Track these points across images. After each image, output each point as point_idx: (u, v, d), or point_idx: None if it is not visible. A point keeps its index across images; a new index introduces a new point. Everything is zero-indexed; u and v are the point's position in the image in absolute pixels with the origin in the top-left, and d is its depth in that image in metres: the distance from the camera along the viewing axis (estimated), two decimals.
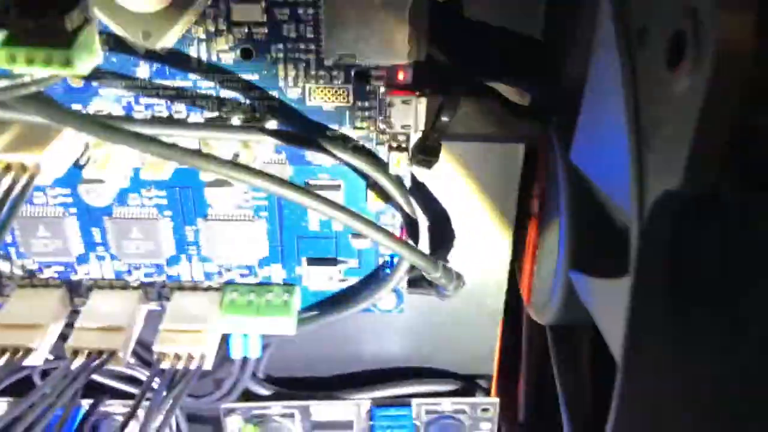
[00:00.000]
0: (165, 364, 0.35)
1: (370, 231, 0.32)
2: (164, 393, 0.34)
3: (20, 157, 0.30)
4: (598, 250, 0.31)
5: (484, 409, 0.43)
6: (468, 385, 0.44)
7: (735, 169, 0.21)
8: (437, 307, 0.40)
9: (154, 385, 0.34)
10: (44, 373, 0.39)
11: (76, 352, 0.35)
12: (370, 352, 0.43)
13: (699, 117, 0.20)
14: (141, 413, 0.36)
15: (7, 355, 0.35)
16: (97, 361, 0.35)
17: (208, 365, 0.35)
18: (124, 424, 0.34)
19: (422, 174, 0.35)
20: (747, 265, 0.22)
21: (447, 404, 0.43)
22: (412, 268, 0.36)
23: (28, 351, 0.35)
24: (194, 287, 0.38)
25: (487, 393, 0.44)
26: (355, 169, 0.33)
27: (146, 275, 0.37)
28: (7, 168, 0.30)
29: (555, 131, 0.33)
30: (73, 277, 0.37)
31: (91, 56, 0.27)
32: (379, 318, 0.41)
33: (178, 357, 0.35)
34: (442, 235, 0.37)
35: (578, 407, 0.35)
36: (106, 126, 0.28)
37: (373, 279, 0.37)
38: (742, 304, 0.23)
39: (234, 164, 0.30)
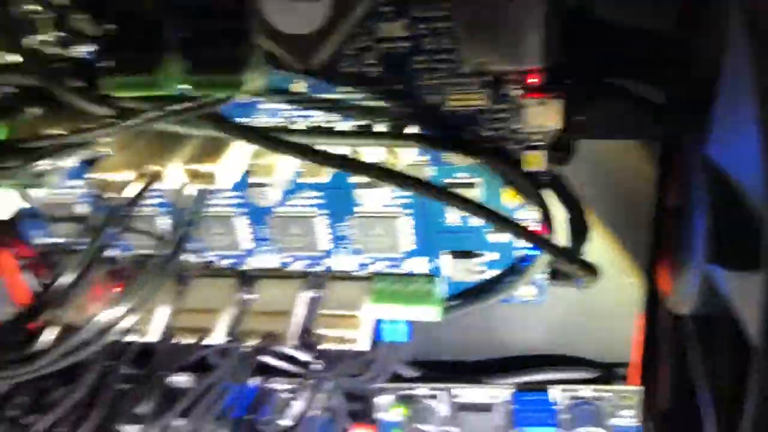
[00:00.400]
0: (324, 346, 0.39)
1: (504, 226, 0.34)
2: (326, 373, 0.38)
3: (199, 167, 0.34)
4: (735, 243, 0.31)
5: (625, 397, 0.44)
6: (606, 373, 0.45)
7: None
8: (578, 298, 0.42)
9: (316, 366, 0.39)
10: (220, 353, 0.44)
11: (247, 335, 0.40)
12: (511, 340, 0.45)
13: None
14: (304, 392, 0.41)
15: (190, 336, 0.40)
16: (265, 342, 0.40)
17: (363, 347, 0.39)
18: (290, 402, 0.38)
19: (561, 171, 0.37)
20: None
21: (587, 391, 0.44)
22: (552, 260, 0.37)
23: (207, 332, 0.40)
24: (347, 277, 0.41)
25: (624, 381, 0.45)
26: (491, 168, 0.35)
27: (306, 266, 0.42)
28: (190, 176, 0.35)
29: (690, 127, 0.33)
30: (243, 268, 0.42)
31: (258, 79, 0.31)
32: (521, 307, 0.43)
33: (335, 339, 0.39)
34: (580, 230, 0.38)
35: (719, 395, 0.36)
36: (270, 138, 0.32)
37: (513, 271, 0.39)
38: None
39: (379, 168, 0.33)
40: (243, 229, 0.40)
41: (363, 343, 0.39)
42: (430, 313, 0.39)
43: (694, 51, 0.33)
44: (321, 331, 0.39)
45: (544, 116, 0.33)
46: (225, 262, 0.42)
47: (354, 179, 0.37)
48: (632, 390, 0.44)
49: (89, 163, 0.39)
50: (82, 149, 0.34)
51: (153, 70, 0.30)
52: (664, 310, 0.42)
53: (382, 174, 0.33)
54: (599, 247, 0.39)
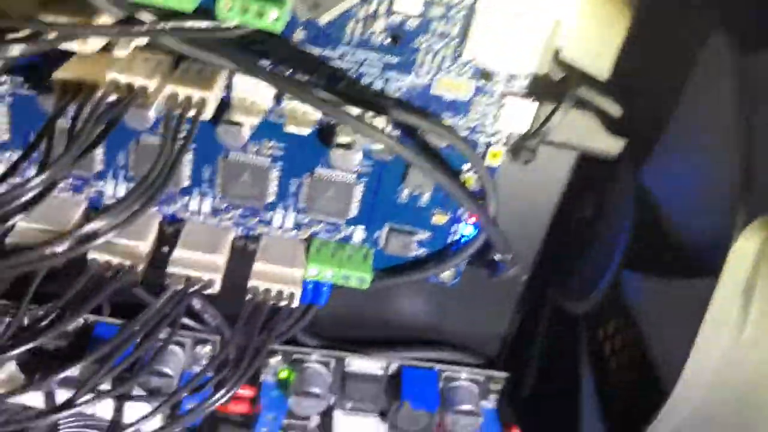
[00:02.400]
0: (256, 299, 0.39)
1: (472, 205, 0.37)
2: (258, 327, 0.38)
3: (191, 92, 0.33)
4: (652, 255, 0.37)
5: (495, 382, 0.49)
6: (483, 359, 0.49)
7: None
8: (466, 287, 0.46)
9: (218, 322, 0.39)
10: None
11: (174, 277, 0.38)
12: (402, 319, 0.48)
13: None
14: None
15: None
16: (193, 287, 0.38)
17: (295, 303, 0.39)
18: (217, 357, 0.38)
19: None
20: None
21: (464, 373, 0.48)
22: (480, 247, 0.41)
23: (132, 268, 0.38)
24: (281, 235, 0.41)
25: (498, 368, 0.50)
26: (454, 156, 0.38)
27: (241, 216, 0.41)
28: (174, 100, 0.33)
29: (630, 151, 0.39)
30: (172, 208, 0.40)
31: (287, 16, 0.31)
32: (420, 289, 0.46)
33: (269, 292, 0.39)
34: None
35: (600, 393, 0.41)
36: (291, 83, 0.32)
37: (441, 253, 0.42)
38: None
39: (370, 125, 0.34)
40: (184, 167, 0.39)
41: (296, 300, 0.39)
42: (362, 279, 0.40)
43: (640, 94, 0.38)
44: (257, 283, 0.39)
45: (518, 117, 0.37)
46: None
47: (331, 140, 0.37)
48: (498, 376, 0.49)
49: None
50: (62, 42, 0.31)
51: None
52: (546, 306, 0.48)
53: (372, 130, 0.34)
54: None
